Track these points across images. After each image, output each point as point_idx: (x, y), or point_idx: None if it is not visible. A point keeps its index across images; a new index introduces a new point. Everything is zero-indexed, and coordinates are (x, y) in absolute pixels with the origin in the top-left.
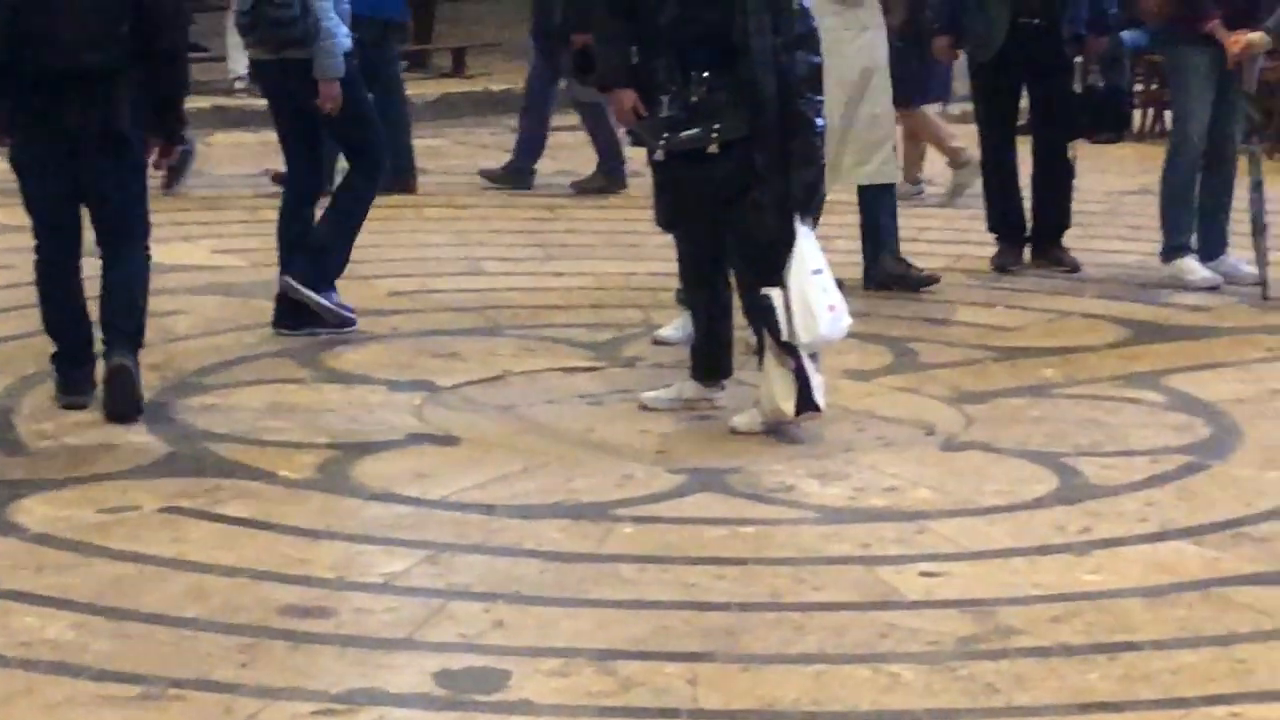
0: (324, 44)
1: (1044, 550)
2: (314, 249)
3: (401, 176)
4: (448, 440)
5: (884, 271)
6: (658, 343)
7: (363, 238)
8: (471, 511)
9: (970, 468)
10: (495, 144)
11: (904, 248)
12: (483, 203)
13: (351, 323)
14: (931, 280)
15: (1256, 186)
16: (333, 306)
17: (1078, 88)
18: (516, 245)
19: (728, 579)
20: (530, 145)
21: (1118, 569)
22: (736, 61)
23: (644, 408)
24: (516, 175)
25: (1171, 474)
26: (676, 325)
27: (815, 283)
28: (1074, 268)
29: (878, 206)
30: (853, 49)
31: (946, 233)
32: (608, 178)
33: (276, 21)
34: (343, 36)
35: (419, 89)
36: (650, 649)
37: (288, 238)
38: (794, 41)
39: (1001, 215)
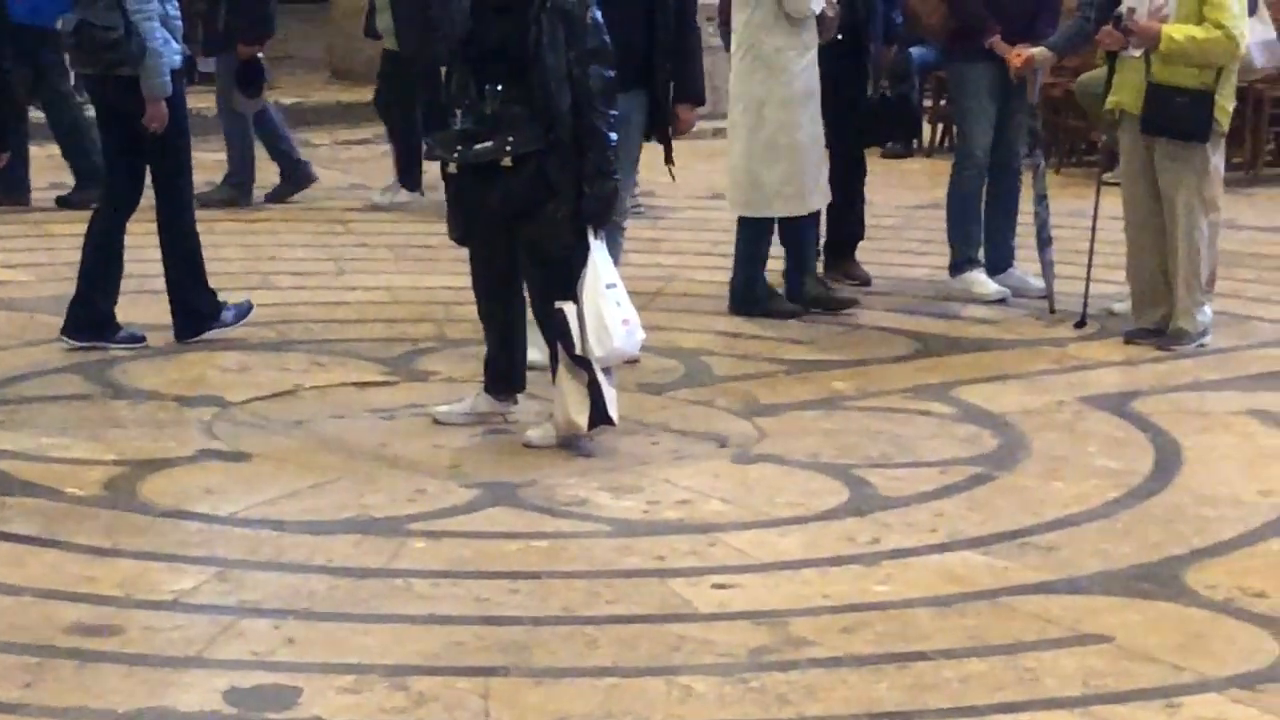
0: (150, 64)
1: (835, 561)
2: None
3: (15, 188)
4: (238, 456)
5: (806, 293)
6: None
7: (150, 253)
8: (262, 528)
9: (762, 480)
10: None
11: (698, 260)
12: (273, 216)
13: (141, 339)
14: (851, 303)
15: (1041, 200)
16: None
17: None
18: (308, 259)
19: (521, 593)
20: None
21: (907, 579)
22: (530, 75)
23: (437, 422)
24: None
25: (960, 485)
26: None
27: (609, 297)
28: (865, 281)
29: (801, 227)
30: (798, 68)
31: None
32: (235, 189)
33: (102, 43)
34: (171, 54)
35: (204, 103)
36: (443, 664)
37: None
38: (587, 55)
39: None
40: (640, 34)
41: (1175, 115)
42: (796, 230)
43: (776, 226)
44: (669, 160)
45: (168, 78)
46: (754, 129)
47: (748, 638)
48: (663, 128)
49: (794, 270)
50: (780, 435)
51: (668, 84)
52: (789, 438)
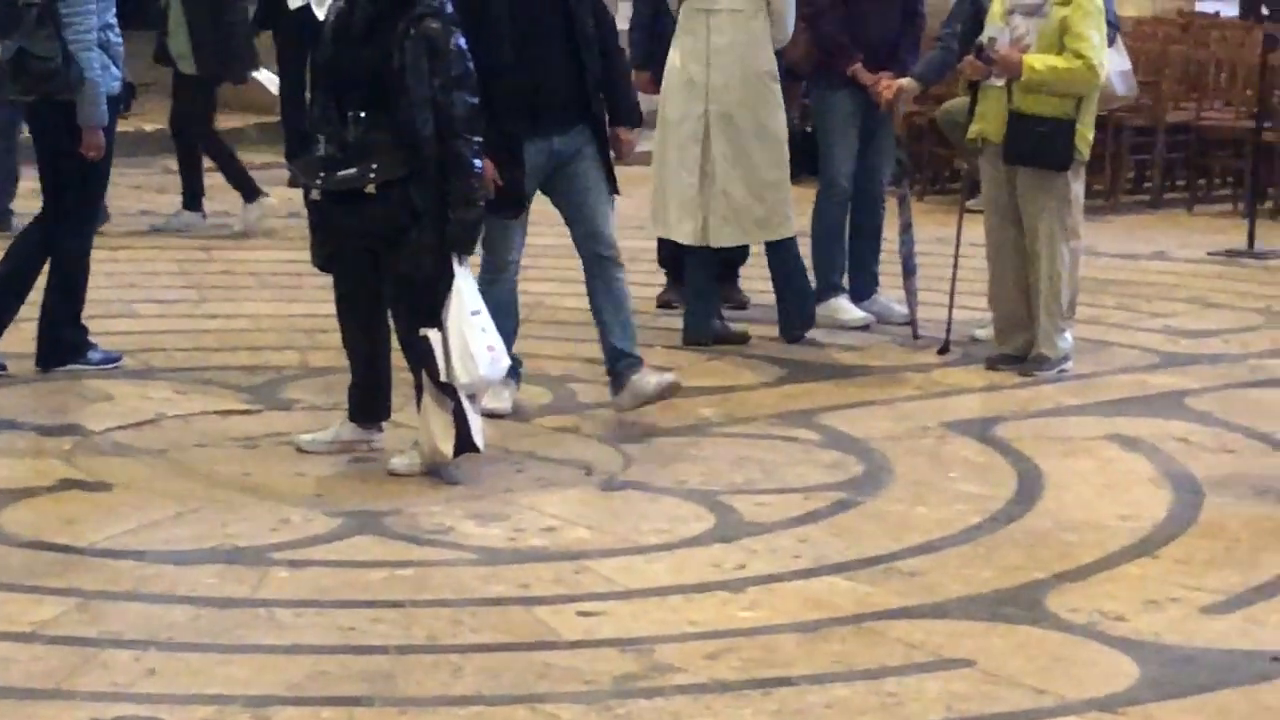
0: (87, 92)
1: (701, 588)
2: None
3: None
4: (99, 486)
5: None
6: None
7: None
8: (123, 558)
9: (628, 507)
10: (149, 184)
11: (565, 287)
12: (136, 244)
13: (1, 367)
14: (743, 338)
15: (906, 228)
16: None
17: None
18: (171, 287)
19: (385, 622)
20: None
21: (773, 605)
22: (394, 102)
23: (301, 450)
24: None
25: (825, 510)
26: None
27: (474, 324)
28: (742, 305)
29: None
30: (669, 90)
31: None
32: None
33: (39, 73)
34: (109, 81)
35: None
36: (306, 694)
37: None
38: (452, 82)
39: (671, 252)
40: (568, 72)
41: (1037, 144)
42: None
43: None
44: (614, 190)
45: (104, 106)
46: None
47: (613, 665)
48: (606, 157)
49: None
50: (647, 462)
51: (602, 115)
52: (655, 464)
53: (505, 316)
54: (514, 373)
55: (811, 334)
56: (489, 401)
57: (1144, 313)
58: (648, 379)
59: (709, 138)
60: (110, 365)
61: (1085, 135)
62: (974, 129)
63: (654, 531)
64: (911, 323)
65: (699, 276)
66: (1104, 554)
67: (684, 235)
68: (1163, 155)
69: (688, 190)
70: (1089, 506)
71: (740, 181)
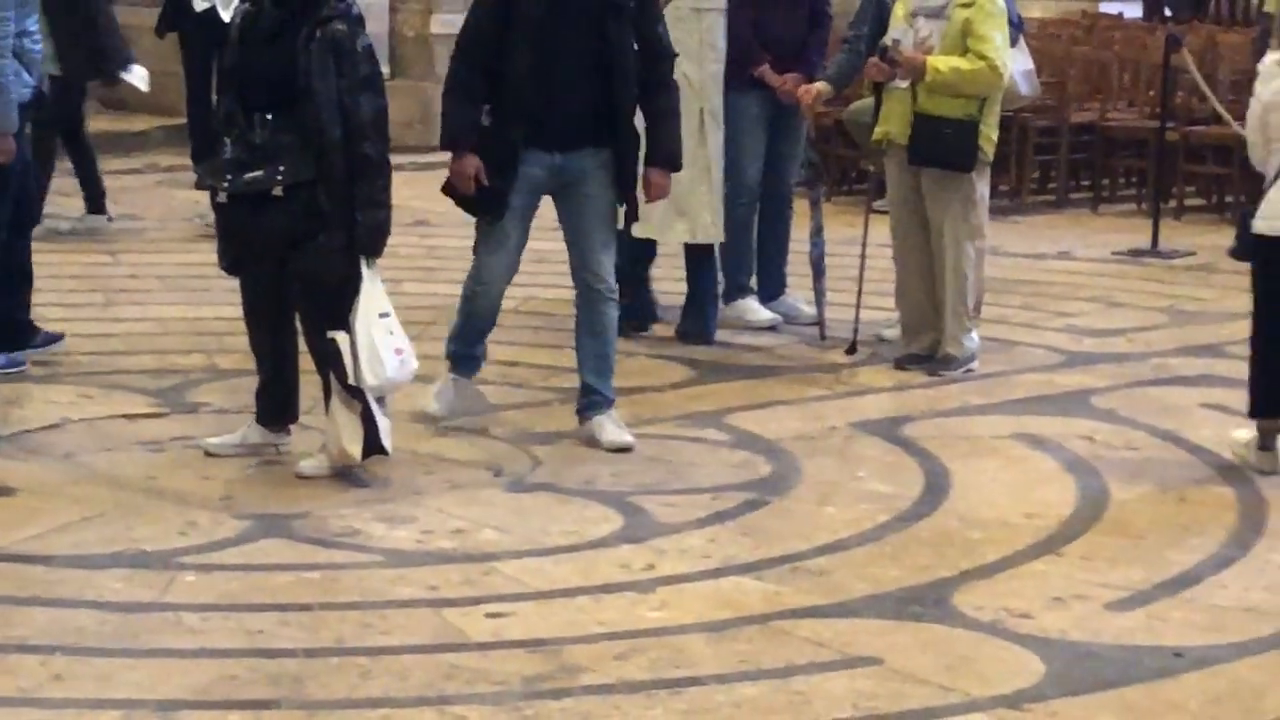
0: None
1: (609, 588)
2: None
3: None
4: (4, 490)
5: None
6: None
7: None
8: (29, 562)
9: (537, 508)
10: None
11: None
12: (41, 248)
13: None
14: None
15: (818, 231)
16: None
17: None
18: (76, 290)
19: (293, 625)
20: None
21: (681, 605)
22: (300, 104)
23: (208, 454)
24: None
25: (733, 510)
26: (442, 393)
27: (382, 326)
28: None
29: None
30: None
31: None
32: None
33: None
34: (20, 88)
35: None
36: (214, 698)
37: None
38: (358, 84)
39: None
40: (589, 92)
41: (941, 145)
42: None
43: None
44: (629, 220)
45: (14, 114)
46: None
47: (522, 666)
48: (624, 187)
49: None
50: (555, 463)
51: (627, 145)
52: (564, 466)
53: (478, 328)
54: (476, 370)
55: (720, 335)
56: (433, 405)
57: (1049, 312)
58: (606, 431)
59: (704, 134)
60: (15, 369)
61: (989, 136)
62: (879, 130)
63: (562, 533)
64: (819, 323)
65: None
66: (1010, 552)
67: (679, 235)
68: (1067, 156)
69: (679, 187)
70: (995, 505)
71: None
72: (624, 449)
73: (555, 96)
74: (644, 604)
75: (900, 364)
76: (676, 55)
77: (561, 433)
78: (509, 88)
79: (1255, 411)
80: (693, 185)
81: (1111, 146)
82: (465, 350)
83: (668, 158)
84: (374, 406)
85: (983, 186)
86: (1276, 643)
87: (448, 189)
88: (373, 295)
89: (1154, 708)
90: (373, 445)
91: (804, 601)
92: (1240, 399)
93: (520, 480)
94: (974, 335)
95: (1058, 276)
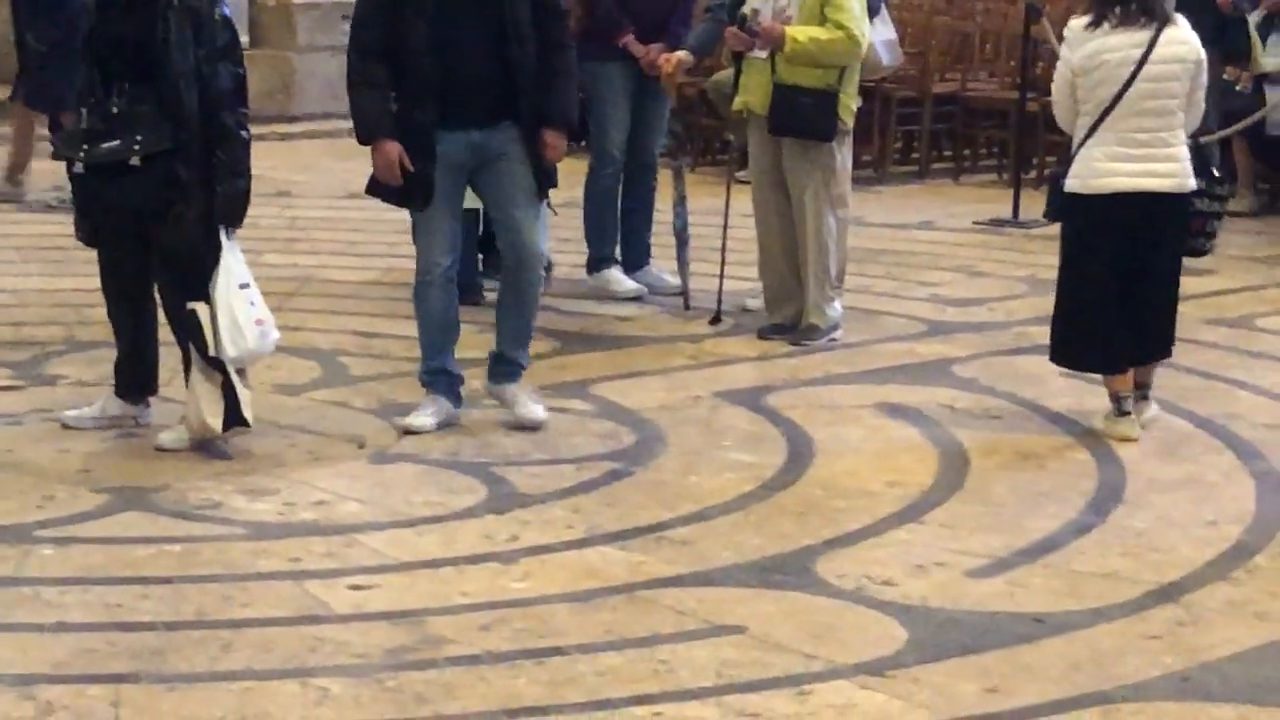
0: None
1: (473, 560)
2: None
3: None
4: None
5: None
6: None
7: None
8: None
9: (400, 480)
10: None
11: (335, 260)
12: None
13: None
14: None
15: (681, 201)
16: None
17: None
18: None
19: (153, 598)
20: None
21: (545, 575)
22: (158, 73)
23: (66, 426)
24: None
25: (597, 481)
26: (429, 412)
27: (243, 297)
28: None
29: None
30: None
31: (377, 246)
32: None
33: None
34: None
35: None
36: (72, 672)
37: None
38: (217, 53)
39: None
40: (492, 63)
41: (801, 115)
42: None
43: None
44: (542, 195)
45: None
46: None
47: (385, 638)
48: (539, 159)
49: None
50: (418, 435)
51: (532, 114)
52: (427, 437)
53: (439, 331)
54: (453, 391)
55: (584, 305)
56: (412, 419)
57: (912, 282)
58: (520, 404)
59: None
60: None
61: (848, 105)
62: (739, 101)
63: (426, 504)
64: (683, 293)
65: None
66: (872, 520)
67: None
68: (929, 126)
69: None
70: (858, 474)
71: None
72: (536, 425)
73: (458, 71)
74: (508, 575)
75: (763, 334)
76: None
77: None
78: (410, 68)
79: (1057, 356)
80: None
81: (973, 117)
82: (433, 365)
83: (562, 118)
84: (235, 378)
85: (844, 156)
86: (1134, 608)
87: (372, 187)
88: (233, 266)
89: (1013, 673)
90: (234, 417)
91: (668, 571)
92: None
93: (383, 452)
94: (837, 305)
95: (920, 246)
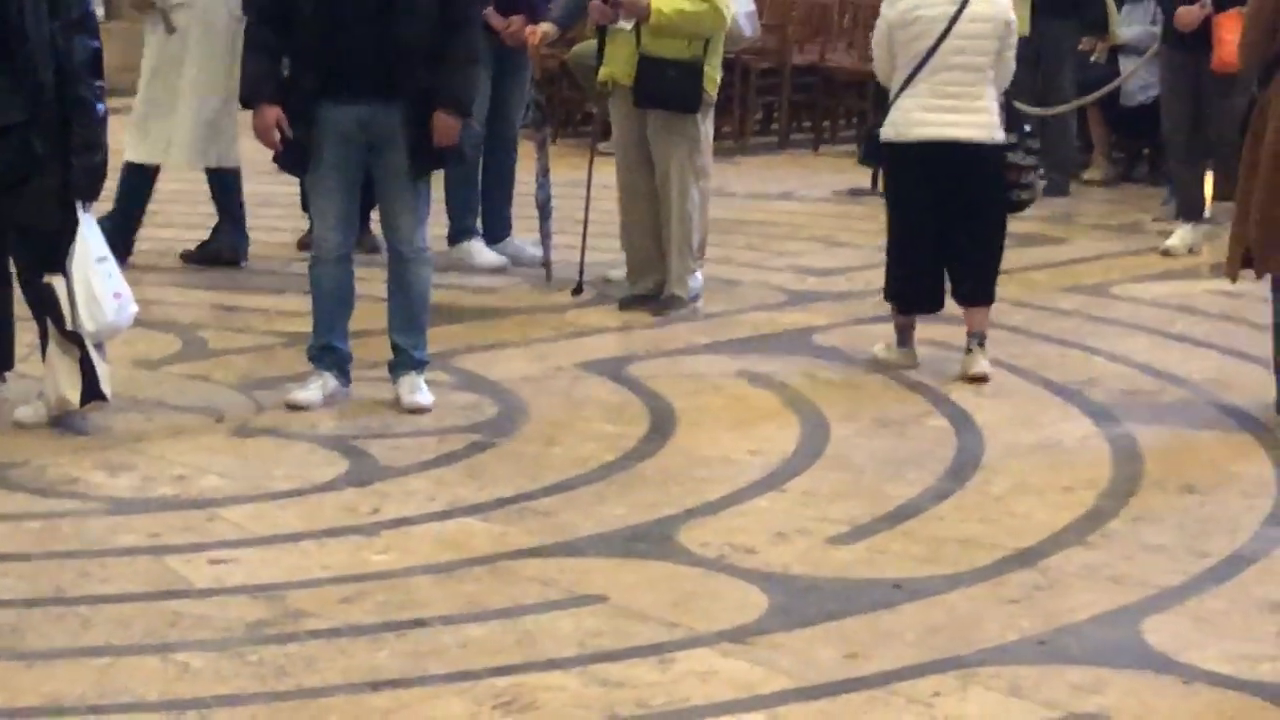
0: None
1: (334, 533)
2: None
3: None
4: None
5: None
6: (293, 407)
7: None
8: None
9: (261, 453)
10: None
11: (193, 234)
12: None
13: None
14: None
15: (544, 173)
16: None
17: None
18: None
19: (11, 576)
20: None
21: (407, 547)
22: (13, 45)
23: None
24: None
25: (459, 453)
26: (314, 386)
27: (100, 270)
28: (374, 249)
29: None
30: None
31: None
32: None
33: None
34: None
35: None
36: None
37: None
38: (72, 25)
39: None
40: (381, 38)
41: (666, 87)
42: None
43: None
44: (419, 177)
45: None
46: None
47: (245, 612)
48: (423, 142)
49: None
50: (279, 408)
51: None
52: (288, 410)
53: (330, 307)
54: (341, 368)
55: (446, 277)
56: (297, 394)
57: (772, 252)
58: (403, 390)
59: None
60: None
61: (713, 76)
62: (603, 72)
63: (286, 477)
64: (545, 265)
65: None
66: (734, 489)
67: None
68: (789, 97)
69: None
70: (720, 443)
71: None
72: (416, 410)
73: (342, 42)
74: (369, 547)
75: (625, 305)
76: None
77: (284, 377)
78: (299, 34)
79: (888, 295)
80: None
81: (832, 88)
82: (321, 341)
83: (454, 100)
84: (93, 352)
85: (707, 127)
86: (991, 573)
87: (275, 154)
88: (89, 240)
89: (873, 638)
90: (92, 392)
91: (531, 541)
92: (953, 332)
93: (244, 426)
94: (698, 276)
95: (780, 216)
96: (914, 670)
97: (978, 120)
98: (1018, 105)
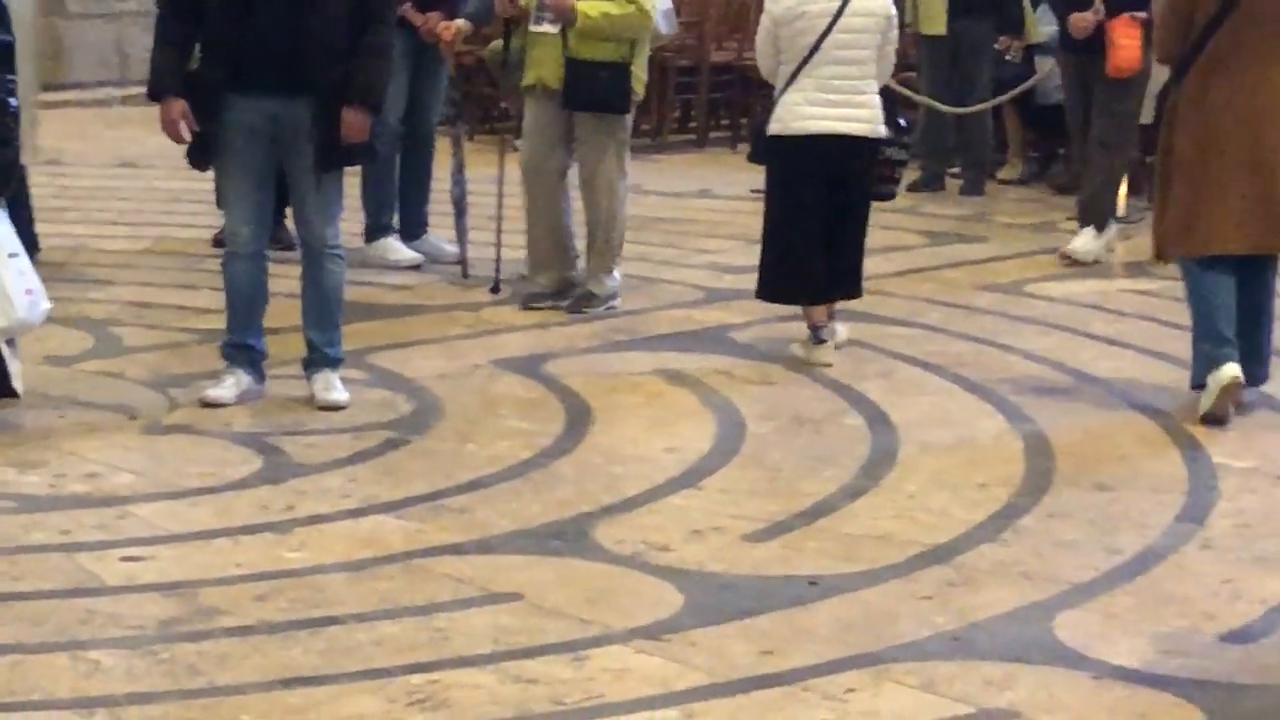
0: None
1: (247, 530)
2: None
3: None
4: None
5: None
6: (207, 404)
7: None
8: None
9: (174, 451)
10: None
11: (107, 230)
12: None
13: None
14: None
15: (459, 169)
16: None
17: None
18: None
19: None
20: None
21: (321, 545)
22: None
23: None
24: None
25: (374, 450)
26: (228, 384)
27: (12, 266)
28: (290, 245)
29: None
30: None
31: (149, 215)
32: None
33: None
34: None
35: None
36: None
37: None
38: None
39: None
40: (291, 31)
41: (597, 89)
42: None
43: None
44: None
45: None
46: None
47: (158, 609)
48: (331, 136)
49: None
50: (192, 406)
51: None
52: (201, 408)
53: (242, 305)
54: (255, 366)
55: (362, 274)
56: (211, 391)
57: (690, 249)
58: (316, 387)
59: None
60: None
61: (640, 77)
62: (531, 75)
63: (199, 475)
64: (462, 262)
65: None
66: (650, 486)
67: None
68: (707, 95)
69: None
70: (636, 440)
71: None
72: (331, 407)
73: (251, 35)
74: (283, 545)
75: (527, 303)
76: None
77: (197, 374)
78: (207, 27)
79: (764, 293)
80: None
81: (750, 85)
82: (234, 339)
83: (362, 95)
84: (4, 349)
85: (628, 126)
86: (906, 569)
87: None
88: (3, 235)
89: (788, 635)
90: (3, 389)
91: (445, 539)
92: (879, 332)
93: (156, 423)
94: (616, 274)
95: (698, 214)
96: (828, 666)
97: (862, 115)
98: (935, 104)
